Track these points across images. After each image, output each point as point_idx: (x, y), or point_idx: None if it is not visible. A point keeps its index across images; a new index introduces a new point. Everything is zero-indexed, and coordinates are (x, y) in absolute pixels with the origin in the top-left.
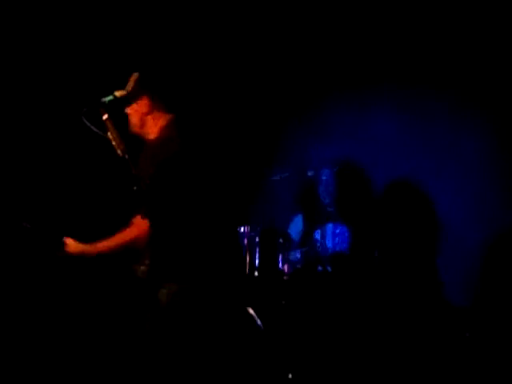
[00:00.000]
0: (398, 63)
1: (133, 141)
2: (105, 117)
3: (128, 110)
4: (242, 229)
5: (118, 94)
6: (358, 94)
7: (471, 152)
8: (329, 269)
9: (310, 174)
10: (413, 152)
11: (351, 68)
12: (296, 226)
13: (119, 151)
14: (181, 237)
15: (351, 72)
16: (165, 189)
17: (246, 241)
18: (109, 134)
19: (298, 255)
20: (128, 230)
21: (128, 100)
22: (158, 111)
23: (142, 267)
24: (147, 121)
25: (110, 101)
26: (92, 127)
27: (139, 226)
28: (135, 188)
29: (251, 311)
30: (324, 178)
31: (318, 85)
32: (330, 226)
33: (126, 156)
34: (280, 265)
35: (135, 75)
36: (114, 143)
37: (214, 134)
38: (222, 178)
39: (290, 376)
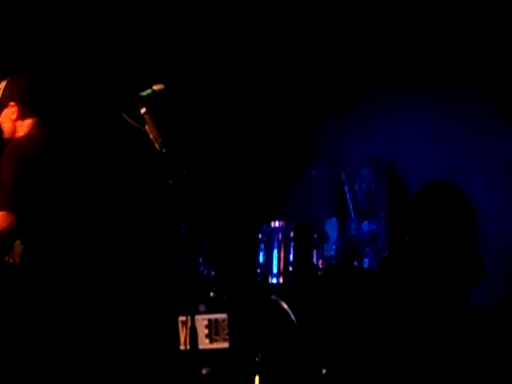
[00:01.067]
0: (438, 61)
1: (171, 135)
2: (143, 111)
3: None
4: (277, 223)
5: (156, 87)
6: (395, 91)
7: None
8: (365, 264)
9: (342, 176)
10: (449, 150)
11: (390, 64)
12: (331, 229)
13: (157, 145)
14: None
15: (389, 68)
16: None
17: (280, 235)
18: (147, 127)
19: (333, 252)
20: None
21: None
22: (25, 116)
23: (11, 259)
24: (17, 126)
25: (148, 95)
26: (130, 121)
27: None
28: (171, 181)
29: (285, 306)
30: (363, 175)
31: (357, 80)
32: (365, 224)
33: (164, 150)
34: (314, 260)
35: (3, 83)
36: (151, 137)
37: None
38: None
39: (324, 371)
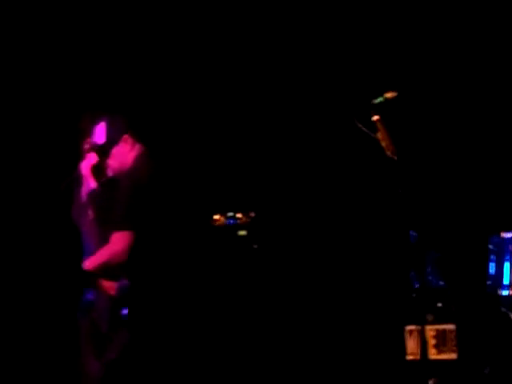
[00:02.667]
0: None
1: (403, 142)
2: (375, 118)
3: None
4: (509, 234)
5: (388, 95)
6: None
7: None
8: None
9: None
10: None
11: None
12: None
13: (388, 152)
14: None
15: None
16: None
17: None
18: (379, 134)
19: None
20: (106, 246)
21: None
22: (133, 148)
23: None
24: (126, 159)
25: (380, 102)
26: (363, 128)
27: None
28: (401, 190)
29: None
30: None
31: None
32: None
33: (395, 157)
34: None
35: (102, 124)
36: (383, 144)
37: None
38: None
39: None
